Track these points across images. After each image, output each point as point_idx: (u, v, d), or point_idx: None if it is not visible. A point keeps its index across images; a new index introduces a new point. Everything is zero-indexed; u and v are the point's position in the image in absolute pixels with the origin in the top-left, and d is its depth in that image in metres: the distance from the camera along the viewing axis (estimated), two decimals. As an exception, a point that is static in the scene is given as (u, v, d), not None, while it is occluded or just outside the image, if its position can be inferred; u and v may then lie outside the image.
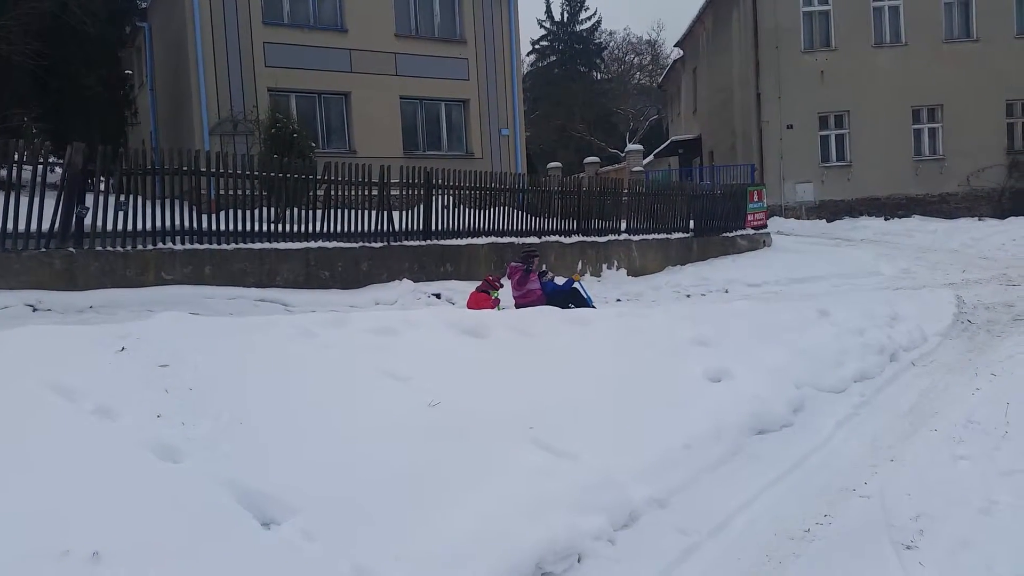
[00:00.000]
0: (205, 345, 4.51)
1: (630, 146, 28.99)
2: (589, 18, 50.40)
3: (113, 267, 9.65)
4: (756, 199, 18.07)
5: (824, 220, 22.22)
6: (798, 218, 22.58)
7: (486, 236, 13.20)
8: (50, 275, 9.17)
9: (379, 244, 11.96)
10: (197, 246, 10.41)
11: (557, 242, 13.94)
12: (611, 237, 14.91)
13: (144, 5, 20.61)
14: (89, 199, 9.69)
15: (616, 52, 50.13)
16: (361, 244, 11.77)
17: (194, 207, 10.57)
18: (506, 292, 10.02)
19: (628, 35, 55.00)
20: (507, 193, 13.92)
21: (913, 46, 22.67)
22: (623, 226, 15.49)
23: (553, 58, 51.00)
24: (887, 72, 22.45)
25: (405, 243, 12.26)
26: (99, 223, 9.71)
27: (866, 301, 10.09)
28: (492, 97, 20.20)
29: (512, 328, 6.22)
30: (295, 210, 11.45)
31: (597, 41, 50.53)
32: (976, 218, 21.49)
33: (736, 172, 22.54)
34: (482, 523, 3.55)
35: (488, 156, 19.96)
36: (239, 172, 11.04)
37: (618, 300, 12.30)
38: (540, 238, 13.74)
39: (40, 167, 9.44)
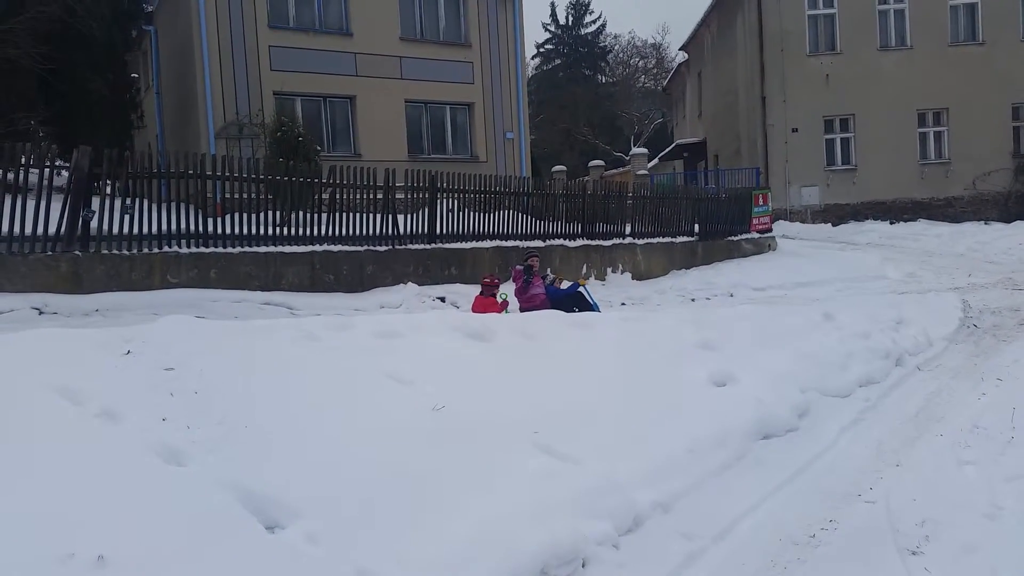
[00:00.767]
0: (210, 349, 4.51)
1: (635, 149, 28.96)
2: (594, 21, 50.46)
3: (119, 270, 9.68)
4: (761, 203, 18.05)
5: (829, 224, 22.17)
6: (803, 222, 22.53)
7: (491, 240, 13.20)
8: (56, 278, 9.20)
9: (384, 248, 11.97)
10: (202, 250, 10.44)
11: (562, 246, 13.93)
12: (616, 241, 14.90)
13: (150, 9, 20.68)
14: (95, 202, 9.73)
15: (621, 55, 50.10)
16: (366, 248, 11.79)
17: (200, 211, 10.60)
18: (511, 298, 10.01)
19: (633, 38, 55.11)
20: (512, 197, 13.93)
21: (918, 49, 22.63)
22: (628, 230, 15.48)
23: (558, 61, 51.03)
24: (892, 75, 22.40)
25: (410, 247, 12.27)
26: (105, 226, 9.75)
27: (871, 305, 10.06)
28: (497, 100, 20.22)
29: (516, 332, 6.22)
30: (300, 214, 11.48)
31: (602, 44, 50.53)
32: (982, 222, 21.39)
33: (741, 176, 22.55)
34: (486, 527, 3.55)
35: (493, 159, 19.97)
36: (244, 176, 11.07)
37: (623, 304, 12.29)
38: (545, 242, 13.74)
39: (46, 170, 9.48)
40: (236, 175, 10.98)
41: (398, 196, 12.42)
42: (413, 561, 3.24)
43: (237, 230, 10.81)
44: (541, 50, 51.37)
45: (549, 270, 11.37)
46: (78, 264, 9.42)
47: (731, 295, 13.31)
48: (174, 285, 9.94)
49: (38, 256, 9.21)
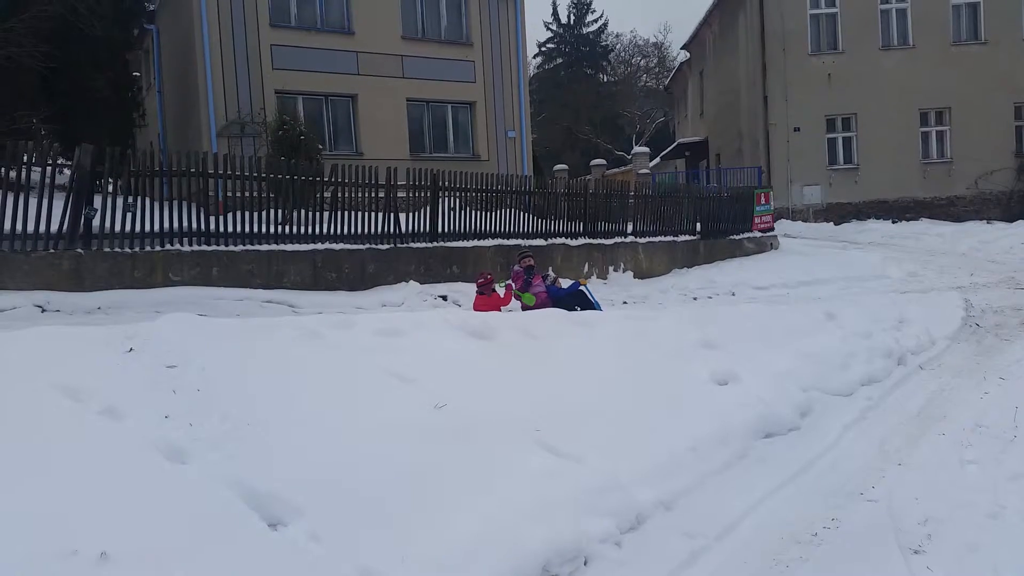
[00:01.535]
0: (212, 346, 4.51)
1: (636, 148, 28.95)
2: (596, 20, 50.42)
3: (121, 268, 9.68)
4: (763, 202, 18.05)
5: (831, 223, 22.17)
6: (805, 221, 22.52)
7: (492, 238, 13.20)
8: (58, 276, 9.21)
9: (386, 246, 11.98)
10: (205, 247, 10.44)
11: (563, 244, 13.93)
12: (617, 239, 14.89)
13: (152, 8, 20.70)
14: (97, 200, 9.73)
15: (623, 54, 50.08)
16: (368, 246, 11.79)
17: (202, 209, 10.60)
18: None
19: (635, 37, 54.91)
20: (513, 195, 13.92)
21: (921, 48, 22.61)
22: (629, 228, 15.47)
23: (559, 60, 50.99)
24: (894, 75, 22.39)
25: (411, 245, 12.27)
26: (107, 224, 9.75)
27: (874, 304, 10.05)
28: (498, 99, 20.22)
29: (518, 330, 6.21)
30: (302, 212, 11.48)
31: (604, 43, 50.49)
32: (984, 221, 21.38)
33: (743, 175, 22.54)
34: (488, 525, 3.55)
35: (494, 158, 19.97)
36: (246, 174, 11.07)
37: (624, 302, 12.28)
38: (546, 240, 13.74)
39: (48, 168, 9.48)
40: (238, 173, 10.98)
41: (400, 195, 12.41)
42: (416, 559, 3.24)
43: (239, 228, 10.81)
44: (543, 49, 51.36)
45: (550, 269, 11.35)
46: (80, 262, 9.43)
47: (733, 294, 13.30)
48: (176, 283, 9.95)
49: (40, 254, 9.22)
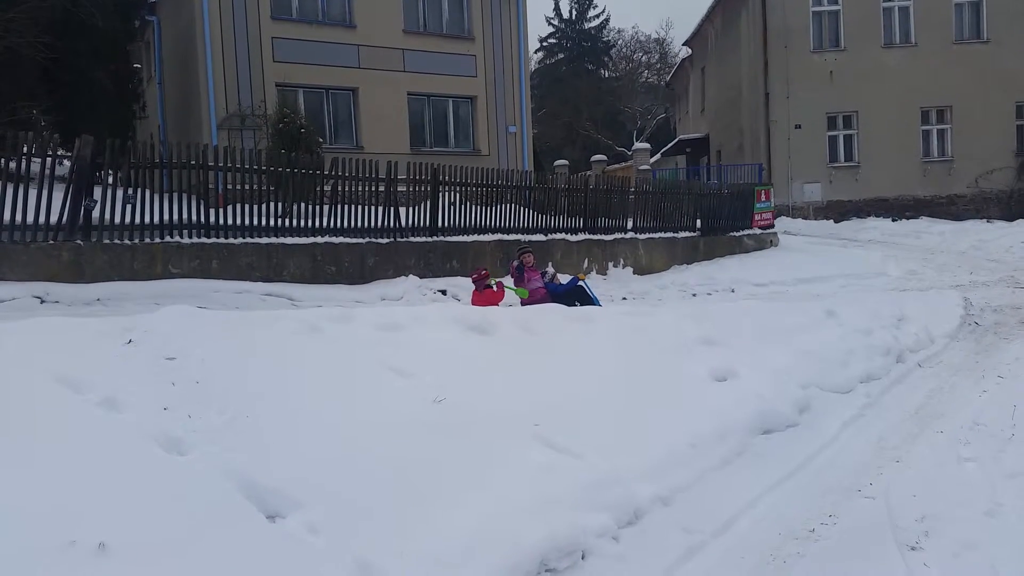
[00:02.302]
0: (212, 338, 4.52)
1: (637, 144, 28.89)
2: (597, 16, 50.36)
3: (121, 260, 9.67)
4: (763, 199, 18.03)
5: (831, 220, 22.16)
6: (805, 218, 22.52)
7: (492, 233, 13.18)
8: (58, 267, 9.19)
9: (385, 240, 11.96)
10: (204, 240, 10.42)
11: (563, 240, 13.91)
12: (617, 235, 14.88)
13: (153, -1, 20.66)
14: (97, 192, 9.71)
15: (624, 50, 50.06)
16: (368, 240, 11.77)
17: (202, 201, 10.59)
18: (510, 294, 9.96)
19: (636, 33, 54.79)
20: (514, 190, 13.91)
21: (923, 47, 22.57)
22: (630, 224, 15.46)
23: (561, 56, 50.92)
24: (896, 73, 22.34)
25: (411, 239, 12.26)
26: (107, 216, 9.73)
27: (873, 302, 10.04)
28: (499, 94, 20.19)
29: (517, 325, 6.22)
30: (302, 205, 11.46)
31: (605, 39, 50.43)
32: (984, 220, 21.35)
33: (743, 171, 22.50)
34: (486, 520, 3.55)
35: (495, 153, 19.94)
36: (247, 167, 11.06)
37: (624, 298, 12.29)
38: (546, 236, 13.72)
39: (48, 160, 9.47)
40: (238, 166, 10.96)
41: (400, 189, 12.40)
42: (414, 553, 3.24)
43: (239, 221, 10.80)
44: (544, 44, 51.30)
45: (550, 264, 11.33)
46: (80, 253, 9.42)
47: (732, 291, 13.31)
48: (176, 275, 9.93)
49: (40, 245, 9.20)
